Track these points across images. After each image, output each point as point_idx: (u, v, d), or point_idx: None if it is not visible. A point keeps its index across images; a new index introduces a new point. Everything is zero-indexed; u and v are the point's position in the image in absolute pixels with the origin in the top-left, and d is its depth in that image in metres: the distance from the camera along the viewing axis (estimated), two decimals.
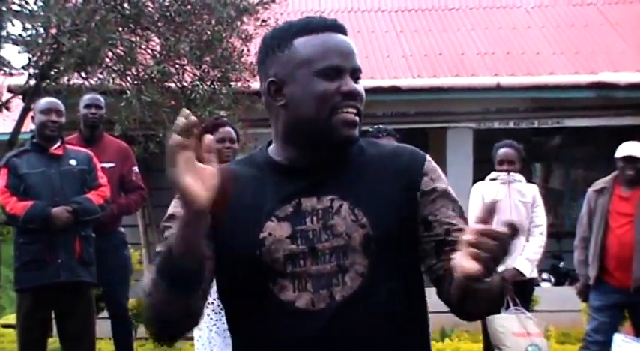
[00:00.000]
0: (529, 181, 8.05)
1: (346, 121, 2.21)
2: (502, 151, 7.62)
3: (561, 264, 13.08)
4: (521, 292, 7.34)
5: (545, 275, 12.49)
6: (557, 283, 12.75)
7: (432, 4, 15.11)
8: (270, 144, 2.39)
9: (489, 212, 1.94)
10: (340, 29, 2.29)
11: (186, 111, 1.99)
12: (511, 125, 12.60)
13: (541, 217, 7.60)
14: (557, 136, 14.78)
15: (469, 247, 1.91)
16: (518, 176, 7.65)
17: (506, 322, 7.05)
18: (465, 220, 2.32)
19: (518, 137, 8.52)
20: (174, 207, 2.30)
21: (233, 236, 2.25)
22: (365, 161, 2.32)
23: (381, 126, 6.92)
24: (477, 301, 2.16)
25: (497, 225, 1.92)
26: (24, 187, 6.32)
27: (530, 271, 7.45)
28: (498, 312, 7.01)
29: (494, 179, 7.65)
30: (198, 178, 1.98)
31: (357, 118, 2.24)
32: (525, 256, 7.42)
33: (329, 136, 2.22)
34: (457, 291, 2.12)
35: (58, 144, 6.50)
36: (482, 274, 1.89)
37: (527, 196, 7.60)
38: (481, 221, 1.93)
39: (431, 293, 2.35)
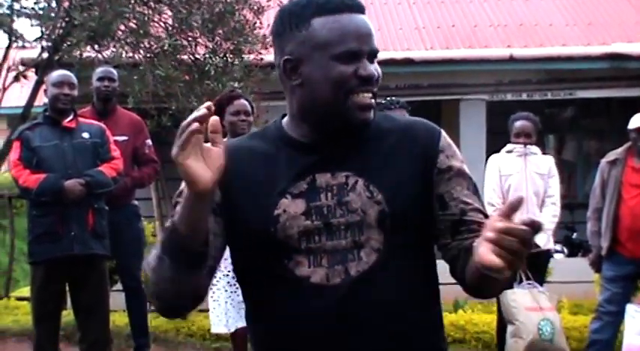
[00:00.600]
0: (544, 152, 8.02)
1: (362, 105, 2.22)
2: (519, 123, 7.58)
3: (574, 235, 13.07)
4: (536, 263, 7.33)
5: (558, 246, 12.47)
6: (570, 255, 12.74)
7: None
8: (284, 117, 2.40)
9: (514, 208, 1.90)
10: (359, 8, 2.27)
11: (209, 103, 2.01)
12: (524, 97, 12.55)
13: (554, 187, 7.59)
14: (570, 107, 14.73)
15: (491, 243, 1.87)
16: (534, 148, 7.62)
17: (519, 297, 7.05)
18: (479, 197, 2.33)
19: (532, 109, 8.49)
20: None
21: (247, 213, 2.26)
22: (380, 136, 2.32)
23: (393, 98, 6.90)
24: (493, 286, 2.18)
25: (514, 200, 1.90)
26: (36, 160, 6.33)
27: (545, 242, 7.43)
28: (511, 287, 7.04)
29: (510, 151, 7.62)
30: (204, 159, 2.00)
31: (373, 101, 2.24)
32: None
33: (344, 118, 2.23)
34: (473, 276, 2.13)
35: (71, 117, 6.50)
36: (505, 269, 1.87)
37: (543, 168, 7.58)
38: (504, 215, 1.90)
39: (445, 265, 2.35)
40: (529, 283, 7.15)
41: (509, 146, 7.65)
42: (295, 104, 2.30)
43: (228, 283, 6.23)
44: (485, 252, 1.87)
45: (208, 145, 2.03)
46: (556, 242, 11.59)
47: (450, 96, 12.56)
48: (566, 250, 12.87)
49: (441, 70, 12.40)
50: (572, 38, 12.90)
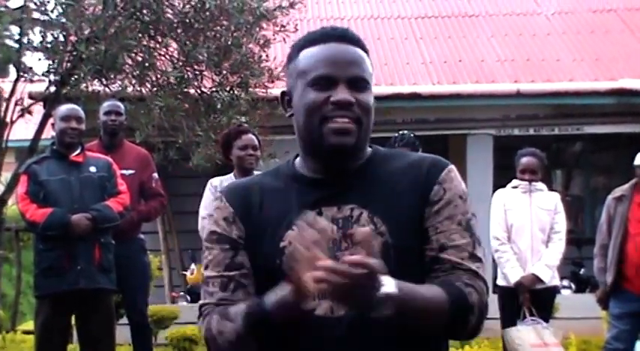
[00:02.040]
0: (550, 188, 8.00)
1: (335, 130, 2.23)
2: (524, 160, 7.57)
3: (582, 271, 13.00)
4: (541, 300, 7.30)
5: (565, 282, 12.42)
6: (578, 291, 12.68)
7: (451, 11, 15.07)
8: (297, 157, 2.44)
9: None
10: (345, 38, 2.31)
11: (311, 215, 2.14)
12: (531, 132, 12.55)
13: (561, 223, 7.56)
14: (578, 142, 14.72)
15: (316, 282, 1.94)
16: (540, 185, 7.61)
17: (523, 335, 7.01)
18: (471, 232, 2.29)
19: (539, 144, 8.48)
20: (211, 224, 2.38)
21: (257, 247, 2.30)
22: (387, 171, 2.33)
23: (405, 132, 6.95)
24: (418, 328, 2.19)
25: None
26: (43, 194, 6.34)
27: (549, 278, 7.39)
28: (513, 325, 7.01)
29: (515, 187, 7.61)
30: (311, 267, 2.03)
31: (351, 126, 2.25)
32: (544, 262, 7.37)
33: (320, 144, 2.26)
34: None
35: (78, 151, 6.52)
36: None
37: (548, 204, 7.56)
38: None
39: None
40: (533, 320, 7.12)
41: (514, 182, 7.64)
42: (296, 136, 2.36)
43: None
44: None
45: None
46: (563, 278, 11.56)
47: (456, 131, 12.57)
48: (573, 286, 12.81)
49: (448, 104, 12.41)
50: (579, 74, 12.91)
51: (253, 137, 6.49)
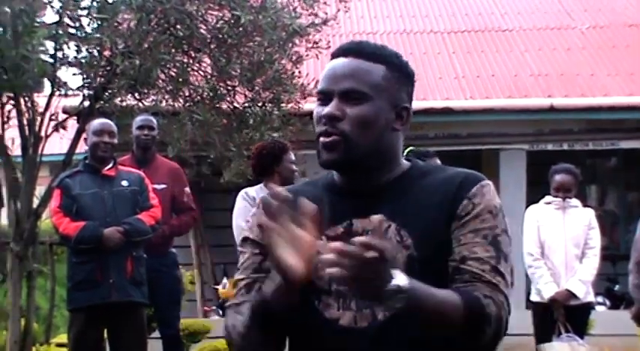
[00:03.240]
0: (584, 204, 7.95)
1: (322, 145, 2.27)
2: (558, 177, 7.52)
3: (616, 287, 12.91)
4: (575, 316, 7.24)
5: (600, 299, 12.33)
6: (613, 307, 12.58)
7: (484, 25, 15.05)
8: None
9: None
10: (351, 52, 2.31)
11: (274, 187, 2.09)
12: (565, 147, 12.49)
13: (595, 239, 7.51)
14: (612, 158, 14.63)
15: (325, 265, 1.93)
16: (574, 201, 7.56)
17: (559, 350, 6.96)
18: (497, 247, 2.24)
19: (573, 159, 8.45)
20: (245, 230, 2.40)
21: None
22: (422, 186, 2.31)
23: (421, 149, 6.96)
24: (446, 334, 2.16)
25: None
26: (76, 208, 6.40)
27: (584, 294, 7.34)
28: (549, 341, 6.96)
29: (548, 203, 7.57)
30: (295, 248, 2.05)
31: (335, 140, 2.25)
32: (578, 278, 7.32)
33: (319, 159, 2.29)
34: None
35: (111, 165, 6.57)
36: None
37: (583, 221, 7.51)
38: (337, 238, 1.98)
39: None
40: (568, 336, 7.06)
41: (548, 198, 7.59)
42: None
43: None
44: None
45: (300, 232, 2.08)
46: (598, 294, 11.48)
47: (489, 145, 12.53)
48: (608, 303, 12.72)
49: (481, 119, 12.38)
50: (614, 88, 12.84)
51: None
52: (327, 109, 2.24)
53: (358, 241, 1.91)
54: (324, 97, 2.27)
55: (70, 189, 6.46)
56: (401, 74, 2.33)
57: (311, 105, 2.43)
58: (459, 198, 2.26)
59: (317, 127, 2.28)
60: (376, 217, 1.99)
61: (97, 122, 6.71)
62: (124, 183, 6.56)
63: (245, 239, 2.38)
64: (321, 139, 2.26)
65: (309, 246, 2.06)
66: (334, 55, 2.32)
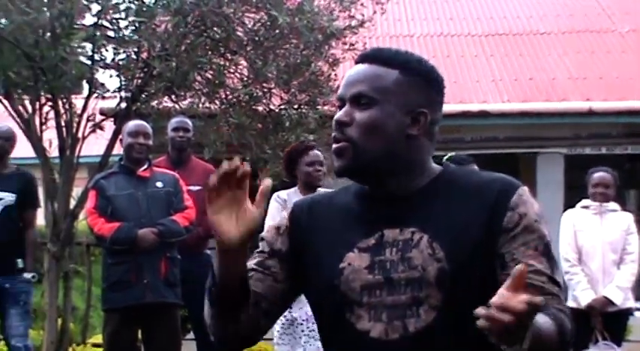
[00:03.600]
0: (623, 208, 7.86)
1: (333, 151, 2.26)
2: (598, 174, 7.46)
3: None
4: (613, 323, 7.17)
5: (639, 304, 12.21)
6: None
7: (523, 29, 14.97)
8: None
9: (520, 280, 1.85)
10: (368, 58, 2.30)
11: (236, 159, 2.10)
12: (603, 151, 12.40)
13: (634, 244, 7.42)
14: None
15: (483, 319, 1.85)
16: (613, 205, 7.48)
17: None
18: (549, 257, 2.21)
19: (611, 163, 8.36)
20: (265, 229, 2.43)
21: (318, 264, 2.30)
22: (454, 192, 2.26)
23: (461, 155, 6.94)
24: None
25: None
26: (111, 209, 6.44)
27: (622, 300, 7.26)
28: (586, 348, 6.89)
29: (586, 207, 7.49)
30: (236, 217, 2.11)
31: (343, 147, 2.22)
32: (616, 284, 7.25)
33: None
34: None
35: (145, 166, 6.59)
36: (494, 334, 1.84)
37: (621, 225, 7.43)
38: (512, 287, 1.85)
39: None
40: (605, 344, 6.99)
41: (585, 202, 7.52)
42: None
43: (302, 331, 6.27)
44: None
45: (250, 205, 2.13)
46: (638, 299, 11.37)
47: (527, 149, 12.46)
48: None
49: (518, 123, 12.33)
50: None
51: (319, 153, 6.50)
52: (336, 115, 2.25)
53: (520, 299, 1.82)
54: (341, 104, 2.27)
55: (105, 190, 6.50)
56: (419, 78, 2.27)
57: None
58: (501, 209, 2.20)
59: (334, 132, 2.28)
60: (519, 267, 1.86)
61: (132, 124, 6.74)
62: (159, 184, 6.59)
63: (261, 239, 2.41)
64: (333, 145, 2.25)
65: (250, 219, 2.11)
66: (356, 62, 2.32)
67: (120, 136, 7.02)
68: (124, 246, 6.33)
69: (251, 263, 2.34)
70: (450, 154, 6.63)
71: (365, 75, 2.25)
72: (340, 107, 2.26)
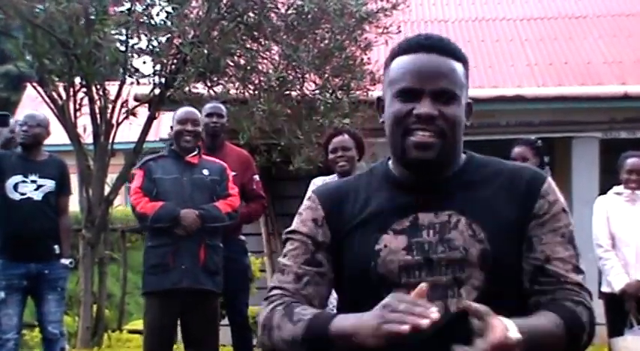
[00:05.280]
0: None
1: (416, 144, 2.23)
2: (631, 160, 7.38)
3: None
4: None
5: None
6: None
7: (558, 12, 14.84)
8: (390, 158, 2.43)
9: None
10: (436, 49, 2.28)
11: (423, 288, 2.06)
12: (639, 135, 12.27)
13: None
14: None
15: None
16: None
17: (631, 344, 6.83)
18: (573, 245, 2.30)
19: None
20: (297, 223, 2.41)
21: (351, 250, 2.31)
22: (483, 179, 2.33)
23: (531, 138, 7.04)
24: None
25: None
26: (156, 192, 6.47)
27: None
28: (621, 334, 6.84)
29: (619, 193, 7.42)
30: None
31: (433, 140, 2.22)
32: None
33: (402, 156, 2.27)
34: None
35: (195, 153, 6.63)
36: None
37: None
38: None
39: None
40: None
41: (617, 188, 7.45)
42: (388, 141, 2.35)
43: None
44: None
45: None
46: None
47: (562, 133, 12.36)
48: None
49: (553, 107, 12.22)
50: None
51: (345, 138, 6.48)
52: (425, 109, 2.21)
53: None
54: (410, 95, 2.24)
55: (153, 172, 6.55)
56: (468, 71, 2.34)
57: (380, 92, 2.41)
58: (533, 196, 2.29)
59: (400, 123, 2.24)
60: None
61: (181, 111, 6.78)
62: (205, 172, 6.62)
63: (296, 232, 2.38)
64: (416, 138, 2.22)
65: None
66: (414, 50, 2.28)
67: (170, 123, 7.04)
68: (166, 224, 6.36)
69: (298, 263, 2.33)
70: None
71: (442, 69, 2.25)
72: (405, 97, 2.24)
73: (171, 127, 6.80)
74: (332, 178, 6.43)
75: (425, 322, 1.95)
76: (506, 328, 1.96)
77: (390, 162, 2.41)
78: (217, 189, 6.63)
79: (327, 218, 2.34)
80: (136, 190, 6.56)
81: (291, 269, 2.34)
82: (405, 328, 1.95)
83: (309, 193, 6.85)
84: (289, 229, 2.41)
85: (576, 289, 2.24)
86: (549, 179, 2.34)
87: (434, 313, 1.96)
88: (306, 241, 2.35)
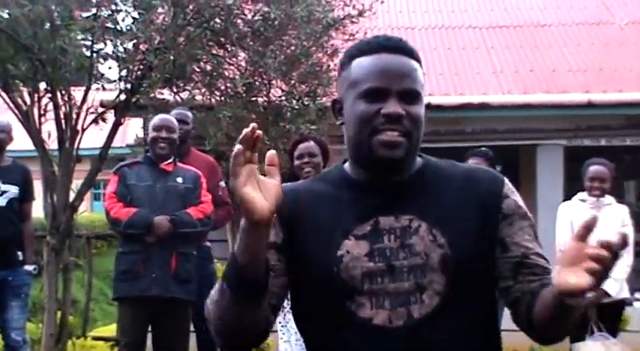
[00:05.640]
0: (621, 200, 7.87)
1: (385, 142, 2.22)
2: (593, 168, 7.47)
3: None
4: (609, 314, 7.16)
5: (638, 294, 12.21)
6: None
7: (523, 21, 14.96)
8: (346, 161, 2.42)
9: (588, 228, 1.98)
10: (398, 49, 2.29)
11: (253, 124, 2.04)
12: (603, 142, 12.40)
13: (629, 236, 7.39)
14: None
15: (589, 261, 1.92)
16: (608, 199, 7.49)
17: (592, 350, 6.89)
18: (539, 243, 2.33)
19: (610, 155, 8.37)
20: None
21: (311, 254, 2.29)
22: (442, 181, 2.34)
23: (483, 149, 7.05)
24: (565, 322, 2.14)
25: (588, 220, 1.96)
26: (130, 198, 6.48)
27: (617, 291, 7.25)
28: (582, 339, 6.90)
29: (583, 200, 7.49)
30: (261, 190, 2.02)
31: (401, 139, 2.23)
32: (611, 276, 7.21)
33: (369, 156, 2.25)
34: (548, 312, 2.11)
35: (170, 160, 6.62)
36: (593, 288, 1.91)
37: (617, 219, 7.42)
38: (579, 238, 1.97)
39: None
40: (601, 335, 6.99)
41: (581, 195, 7.52)
42: (346, 144, 2.34)
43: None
44: (565, 274, 1.94)
45: (265, 177, 2.05)
46: (636, 290, 11.36)
47: (527, 141, 12.45)
48: None
49: (518, 114, 12.33)
50: None
51: (310, 145, 6.50)
52: (394, 108, 2.22)
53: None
54: (376, 95, 2.24)
55: (127, 178, 6.56)
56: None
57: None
58: (496, 197, 2.31)
59: (367, 124, 2.24)
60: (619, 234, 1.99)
61: (157, 118, 6.79)
62: (179, 180, 6.63)
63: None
64: (385, 136, 2.22)
65: (273, 188, 2.03)
66: (376, 50, 2.28)
67: (148, 130, 7.01)
68: (139, 231, 6.36)
69: None
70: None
71: (407, 69, 2.27)
72: (372, 98, 2.24)
73: (147, 134, 6.81)
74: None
75: (247, 130, 2.00)
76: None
77: (345, 165, 2.40)
78: (191, 197, 6.63)
79: (281, 219, 2.30)
80: (110, 195, 6.57)
81: None
82: (237, 148, 1.99)
83: None
84: (241, 226, 2.34)
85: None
86: (506, 179, 2.36)
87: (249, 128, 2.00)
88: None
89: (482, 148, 7.43)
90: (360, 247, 2.24)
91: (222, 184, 7.57)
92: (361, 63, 2.27)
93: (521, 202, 2.34)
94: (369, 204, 2.28)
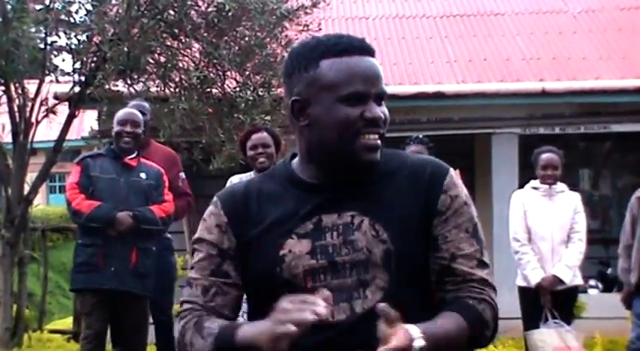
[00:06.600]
0: (575, 187, 7.94)
1: (368, 146, 2.24)
2: (545, 155, 7.51)
3: (609, 271, 12.91)
4: (562, 300, 7.24)
5: (592, 282, 12.35)
6: (605, 290, 12.59)
7: (477, 10, 15.01)
8: (293, 156, 2.42)
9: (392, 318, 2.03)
10: (368, 51, 2.29)
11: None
12: (557, 131, 12.48)
13: (581, 223, 7.48)
14: (605, 141, 14.62)
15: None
16: (560, 186, 7.55)
17: (546, 337, 6.98)
18: (479, 239, 2.32)
19: (565, 143, 8.45)
20: (202, 230, 2.38)
21: (255, 255, 2.31)
22: (386, 176, 2.33)
23: (420, 136, 7.01)
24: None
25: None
26: (92, 190, 6.44)
27: (570, 279, 7.32)
28: (536, 327, 6.98)
29: (535, 188, 7.54)
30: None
31: (379, 142, 2.26)
32: (564, 263, 7.30)
33: (351, 160, 2.25)
34: None
35: (134, 155, 6.59)
36: None
37: (569, 206, 7.49)
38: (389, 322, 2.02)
39: None
40: (555, 322, 7.07)
41: (534, 183, 7.58)
42: (304, 145, 2.32)
43: None
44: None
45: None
46: (590, 277, 11.50)
47: (481, 130, 12.52)
48: (600, 286, 12.73)
49: (473, 103, 12.37)
50: (605, 71, 12.81)
51: (264, 135, 6.53)
52: (377, 112, 2.23)
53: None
54: (358, 99, 2.23)
55: (90, 169, 6.52)
56: None
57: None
58: (435, 192, 2.30)
59: (351, 128, 2.22)
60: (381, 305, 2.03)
61: (121, 112, 6.77)
62: (142, 175, 6.61)
63: (201, 240, 2.37)
64: (369, 141, 2.23)
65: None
66: (347, 52, 2.25)
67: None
68: (100, 225, 6.34)
69: (204, 275, 2.33)
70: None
71: (379, 71, 2.28)
72: (353, 101, 2.22)
73: (112, 128, 6.77)
74: (248, 176, 6.45)
75: (310, 317, 1.97)
76: (411, 336, 2.00)
77: (294, 163, 2.39)
78: (153, 194, 6.63)
79: (231, 223, 2.33)
80: (72, 185, 6.52)
81: (199, 282, 2.33)
82: (292, 327, 1.98)
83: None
84: (195, 237, 2.39)
85: (480, 286, 2.27)
86: (452, 172, 2.34)
87: (320, 306, 1.99)
88: (211, 252, 2.34)
89: (421, 136, 7.44)
90: (302, 245, 2.25)
91: (182, 175, 7.57)
92: (336, 65, 2.24)
93: (460, 197, 2.32)
94: (312, 202, 2.28)
